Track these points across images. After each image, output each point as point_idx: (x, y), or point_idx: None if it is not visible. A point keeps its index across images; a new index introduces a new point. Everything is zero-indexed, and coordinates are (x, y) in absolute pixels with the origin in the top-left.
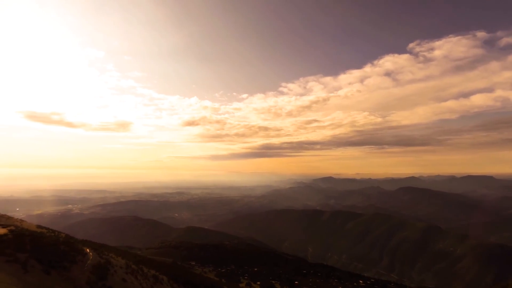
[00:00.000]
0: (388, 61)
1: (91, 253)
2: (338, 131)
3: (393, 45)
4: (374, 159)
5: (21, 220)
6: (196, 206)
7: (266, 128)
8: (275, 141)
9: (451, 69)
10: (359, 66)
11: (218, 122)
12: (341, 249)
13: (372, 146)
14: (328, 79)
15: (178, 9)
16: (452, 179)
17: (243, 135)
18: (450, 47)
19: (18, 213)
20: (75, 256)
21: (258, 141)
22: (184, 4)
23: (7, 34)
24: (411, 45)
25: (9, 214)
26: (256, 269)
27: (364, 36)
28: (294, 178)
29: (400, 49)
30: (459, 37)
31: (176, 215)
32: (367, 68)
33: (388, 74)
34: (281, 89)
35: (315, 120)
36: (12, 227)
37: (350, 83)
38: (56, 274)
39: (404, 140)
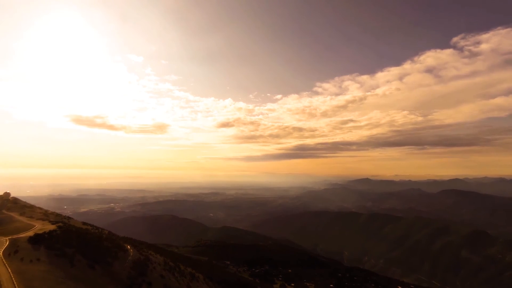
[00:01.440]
0: (430, 57)
1: (131, 250)
2: (375, 131)
3: (435, 39)
4: (414, 160)
5: (69, 217)
6: (230, 206)
7: (300, 129)
8: (310, 142)
9: (500, 63)
10: (398, 63)
11: (252, 123)
12: (379, 253)
13: (412, 146)
14: (364, 77)
15: (212, 13)
16: (501, 181)
17: (277, 136)
18: (499, 40)
19: (65, 211)
20: (117, 252)
21: (292, 142)
22: (218, 8)
23: (55, 44)
24: (455, 39)
25: (58, 211)
26: (290, 270)
27: (403, 32)
28: (329, 180)
29: (443, 44)
30: (509, 29)
31: (211, 215)
32: (407, 65)
33: (429, 70)
34: (315, 89)
35: (351, 120)
36: (60, 224)
37: (388, 81)
38: (99, 268)
39: (447, 140)
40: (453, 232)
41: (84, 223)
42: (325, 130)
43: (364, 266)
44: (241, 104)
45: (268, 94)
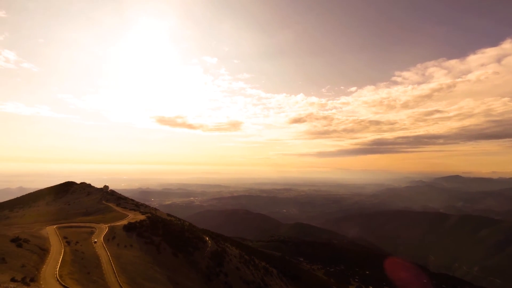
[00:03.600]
0: None
1: (210, 241)
2: (467, 122)
3: None
4: None
5: (155, 209)
6: (303, 202)
7: (377, 122)
8: (388, 136)
9: None
10: (494, 42)
11: (325, 118)
12: (472, 260)
13: None
14: (453, 62)
15: (281, 8)
16: None
17: (352, 131)
18: None
19: (152, 203)
20: (197, 242)
21: (369, 136)
22: (286, 3)
23: (141, 53)
24: None
25: (146, 203)
26: (367, 272)
27: (501, 5)
28: (411, 177)
29: None
30: None
31: (285, 210)
32: (506, 45)
33: None
34: (394, 78)
35: (437, 111)
36: (149, 214)
37: (482, 65)
38: (182, 257)
39: None
40: None
41: (168, 215)
42: (406, 123)
43: (453, 273)
44: (313, 99)
45: (342, 87)
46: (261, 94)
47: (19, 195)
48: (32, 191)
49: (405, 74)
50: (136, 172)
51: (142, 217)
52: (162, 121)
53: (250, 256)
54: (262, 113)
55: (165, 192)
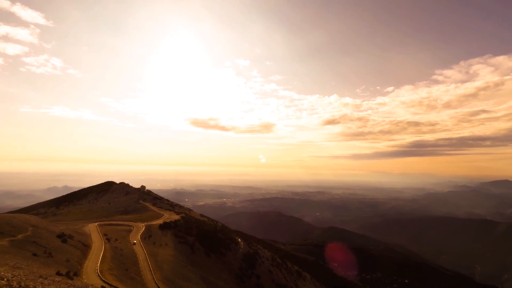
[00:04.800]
0: None
1: (242, 243)
2: None
3: None
4: None
5: (189, 209)
6: (337, 206)
7: (416, 123)
8: (429, 137)
9: None
10: None
11: (360, 119)
12: None
13: None
14: (500, 59)
15: (313, 9)
16: None
17: (388, 132)
18: None
19: (186, 203)
20: (229, 244)
21: (407, 138)
22: (319, 3)
23: (176, 58)
24: None
25: (180, 203)
26: (406, 281)
27: None
28: (455, 181)
29: None
30: None
31: (318, 214)
32: None
33: None
34: (435, 77)
35: (484, 111)
36: (183, 215)
37: None
38: (214, 257)
39: None
40: None
41: (201, 215)
42: (448, 124)
43: (502, 285)
44: (348, 100)
45: (378, 87)
46: (293, 95)
47: (64, 193)
48: (76, 190)
49: (447, 72)
50: (171, 173)
51: (176, 217)
52: (196, 123)
53: (282, 259)
54: (295, 115)
55: (199, 193)
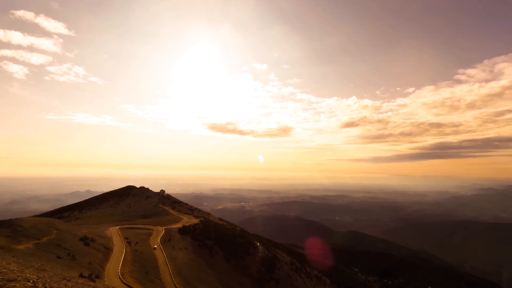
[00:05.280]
0: None
1: (260, 247)
2: None
3: None
4: None
5: (208, 213)
6: (357, 210)
7: (439, 125)
8: (452, 139)
9: None
10: None
11: (379, 121)
12: None
13: None
14: None
15: (330, 11)
16: None
17: (410, 134)
18: None
19: (205, 207)
20: (248, 248)
21: (429, 140)
22: (336, 5)
23: (194, 64)
24: None
25: (199, 207)
26: (430, 287)
27: None
28: (480, 183)
29: None
30: None
31: (337, 218)
32: None
33: None
34: (457, 77)
35: (510, 111)
36: (202, 218)
37: None
38: (233, 261)
39: None
40: None
41: (220, 219)
42: (472, 125)
43: None
44: (367, 102)
45: (398, 88)
46: (311, 98)
47: (87, 197)
48: (98, 194)
49: (470, 71)
50: (190, 177)
51: (195, 220)
52: (214, 127)
53: (301, 264)
54: (313, 118)
55: (217, 197)
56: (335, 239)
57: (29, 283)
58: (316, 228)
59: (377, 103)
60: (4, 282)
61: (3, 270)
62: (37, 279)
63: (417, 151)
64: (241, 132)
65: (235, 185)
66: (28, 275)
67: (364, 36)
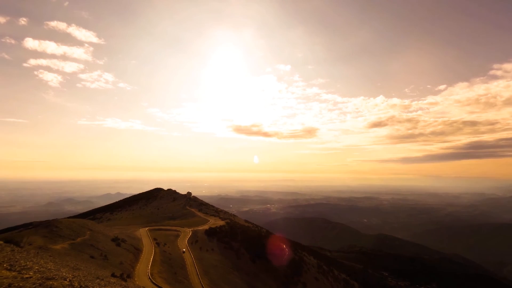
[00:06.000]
0: None
1: (287, 249)
2: None
3: None
4: None
5: (234, 215)
6: (386, 212)
7: (473, 123)
8: (488, 137)
9: None
10: None
11: (409, 120)
12: None
13: None
14: None
15: (356, 7)
16: None
17: (441, 133)
18: None
19: (231, 209)
20: (274, 250)
21: (463, 139)
22: (361, 2)
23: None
24: None
25: (225, 209)
26: None
27: None
28: None
29: None
30: None
31: (365, 220)
32: None
33: None
34: (493, 72)
35: None
36: (228, 220)
37: None
38: (260, 263)
39: None
40: None
41: (246, 221)
42: (510, 122)
43: None
44: (395, 101)
45: (428, 86)
46: (337, 98)
47: (117, 199)
48: (128, 196)
49: (507, 66)
50: (215, 179)
51: (222, 222)
52: (239, 130)
53: (329, 267)
54: (339, 118)
55: (243, 199)
56: (364, 241)
57: (65, 281)
58: (343, 231)
59: (406, 101)
60: (43, 280)
61: (42, 269)
62: (72, 277)
63: (450, 150)
64: (266, 134)
65: (261, 187)
66: (64, 274)
67: (390, 33)
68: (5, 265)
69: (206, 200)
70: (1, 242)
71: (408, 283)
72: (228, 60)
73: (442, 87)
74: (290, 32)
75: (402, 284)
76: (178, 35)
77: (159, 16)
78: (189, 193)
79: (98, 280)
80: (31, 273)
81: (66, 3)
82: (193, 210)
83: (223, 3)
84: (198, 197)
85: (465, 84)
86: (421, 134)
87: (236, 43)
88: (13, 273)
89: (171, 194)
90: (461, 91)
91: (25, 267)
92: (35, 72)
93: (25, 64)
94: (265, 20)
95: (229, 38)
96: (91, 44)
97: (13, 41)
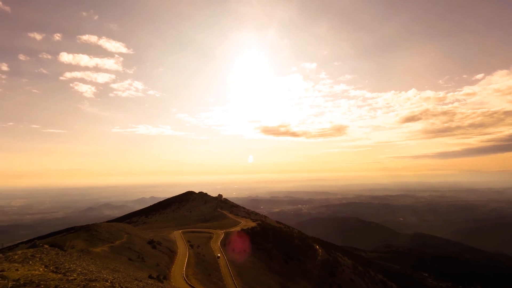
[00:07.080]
0: None
1: (320, 250)
2: None
3: None
4: None
5: (265, 216)
6: (424, 210)
7: None
8: None
9: None
10: None
11: (444, 113)
12: None
13: None
14: None
15: (383, 0)
16: None
17: (481, 125)
18: None
19: (262, 210)
20: (307, 250)
21: (505, 130)
22: None
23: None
24: None
25: (256, 211)
26: None
27: None
28: None
29: None
30: None
31: (401, 219)
32: None
33: None
34: None
35: None
36: (259, 222)
37: None
38: (292, 264)
39: None
40: None
41: (277, 222)
42: None
43: None
44: (428, 93)
45: (464, 76)
46: (366, 94)
47: (151, 203)
48: (161, 200)
49: None
50: (245, 181)
51: (253, 224)
52: (267, 131)
53: (364, 268)
54: (369, 115)
55: (273, 200)
56: (400, 241)
57: (107, 283)
58: (378, 230)
59: (441, 93)
60: (86, 282)
61: (84, 271)
62: (113, 279)
63: (491, 143)
64: (294, 134)
65: (291, 187)
66: (105, 275)
67: (420, 22)
68: (51, 267)
69: (237, 202)
70: (47, 246)
71: (450, 284)
72: (253, 62)
73: (479, 76)
74: (314, 30)
75: (444, 285)
76: (203, 40)
77: (183, 23)
78: (220, 196)
79: (136, 282)
80: (75, 275)
81: (96, 17)
82: (224, 212)
83: (246, 6)
84: (228, 199)
85: (504, 72)
86: (458, 127)
87: (260, 44)
88: (59, 275)
89: (202, 196)
90: (501, 79)
91: (69, 269)
92: (71, 85)
93: (61, 78)
94: (288, 19)
95: (253, 40)
96: (120, 54)
97: (49, 56)
